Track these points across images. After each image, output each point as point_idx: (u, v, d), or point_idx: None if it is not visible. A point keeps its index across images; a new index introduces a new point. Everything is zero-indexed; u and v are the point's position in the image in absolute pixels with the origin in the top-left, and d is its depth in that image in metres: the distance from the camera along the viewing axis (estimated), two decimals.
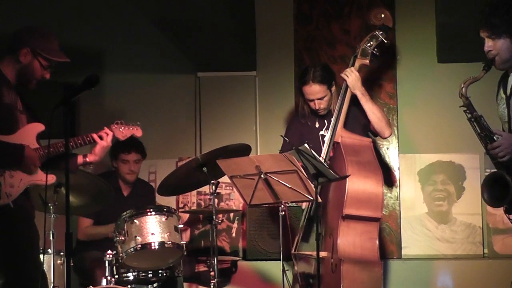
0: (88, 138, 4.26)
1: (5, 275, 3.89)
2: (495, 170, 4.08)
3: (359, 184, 4.93)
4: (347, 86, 5.24)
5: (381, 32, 5.34)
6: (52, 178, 4.01)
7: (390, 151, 6.30)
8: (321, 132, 5.32)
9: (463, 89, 4.10)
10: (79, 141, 4.21)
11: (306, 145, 4.53)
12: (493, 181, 4.05)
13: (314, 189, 4.54)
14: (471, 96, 4.11)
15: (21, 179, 3.97)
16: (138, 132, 4.56)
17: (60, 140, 4.09)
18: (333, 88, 5.31)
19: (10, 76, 4.03)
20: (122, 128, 4.48)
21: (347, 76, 5.24)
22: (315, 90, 5.24)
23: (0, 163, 3.91)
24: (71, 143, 4.15)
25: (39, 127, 4.04)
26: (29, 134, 3.97)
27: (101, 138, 4.29)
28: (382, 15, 5.42)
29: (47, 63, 4.06)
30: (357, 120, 5.28)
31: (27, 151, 3.94)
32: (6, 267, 3.90)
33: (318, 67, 5.42)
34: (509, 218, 4.14)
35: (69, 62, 4.06)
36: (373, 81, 6.30)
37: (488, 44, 4.04)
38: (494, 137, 4.04)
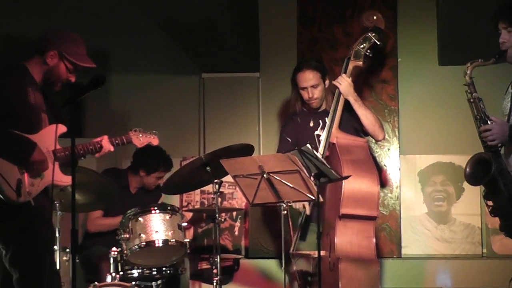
0: (99, 145, 4.25)
1: (20, 270, 3.91)
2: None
3: (355, 184, 4.92)
4: (340, 92, 5.24)
5: (373, 34, 5.33)
6: (69, 180, 3.96)
7: (391, 152, 6.31)
8: (316, 132, 5.31)
9: (469, 68, 4.17)
10: (91, 147, 4.22)
11: (308, 145, 4.54)
12: (479, 161, 4.10)
13: (315, 189, 4.53)
14: (474, 77, 4.17)
15: (41, 178, 3.98)
16: (155, 141, 4.57)
17: (83, 144, 4.15)
18: (327, 82, 5.31)
19: (36, 76, 4.03)
20: (141, 135, 4.48)
21: (340, 84, 5.23)
22: (308, 77, 5.23)
23: (12, 154, 3.89)
24: (82, 151, 4.17)
25: (62, 128, 4.02)
26: (51, 134, 3.96)
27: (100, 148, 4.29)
28: (374, 17, 5.41)
29: (72, 67, 4.05)
30: (350, 123, 5.28)
31: (37, 152, 3.92)
32: (21, 263, 3.91)
33: (313, 58, 5.50)
34: (486, 204, 4.18)
35: (95, 67, 4.04)
36: (375, 83, 6.32)
37: (504, 36, 4.10)
38: (488, 122, 4.10)
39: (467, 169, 4.13)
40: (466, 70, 4.17)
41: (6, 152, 3.88)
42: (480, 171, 4.07)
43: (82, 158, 4.26)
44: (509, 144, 4.10)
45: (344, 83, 5.23)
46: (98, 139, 4.29)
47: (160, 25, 5.64)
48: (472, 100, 4.17)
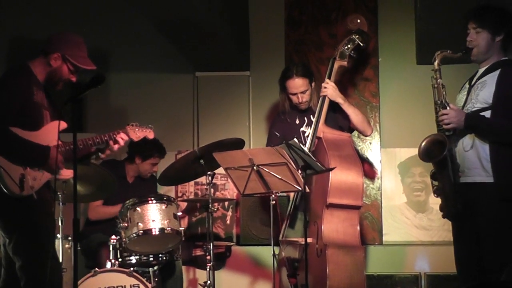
0: (106, 138, 4.21)
1: (22, 258, 3.91)
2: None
3: (341, 176, 4.92)
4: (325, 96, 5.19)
5: (357, 36, 5.32)
6: (70, 173, 4.01)
7: (373, 146, 6.31)
8: (301, 129, 5.30)
9: (438, 56, 4.23)
10: (97, 140, 4.17)
11: (295, 139, 4.55)
12: (434, 142, 4.13)
13: (302, 180, 4.53)
14: (441, 65, 4.22)
15: (43, 172, 3.97)
16: (150, 135, 4.50)
17: (83, 138, 4.10)
18: (313, 84, 5.28)
19: (39, 76, 4.02)
20: (137, 130, 4.43)
21: (326, 89, 5.18)
22: (298, 84, 5.21)
23: (26, 162, 3.90)
24: (90, 142, 4.14)
25: (63, 124, 4.00)
26: (52, 131, 3.94)
27: (116, 141, 4.26)
28: (358, 21, 5.42)
29: (74, 68, 4.05)
30: (335, 122, 5.25)
31: (52, 153, 3.91)
32: (23, 251, 3.91)
33: (299, 63, 5.45)
34: (432, 183, 4.23)
35: (95, 69, 4.02)
36: (358, 81, 6.31)
37: (472, 36, 4.19)
38: (448, 107, 4.15)
39: (422, 145, 4.15)
40: (436, 57, 4.23)
41: (23, 161, 3.88)
42: (434, 151, 4.10)
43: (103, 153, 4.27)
44: (461, 132, 4.13)
45: (330, 88, 5.19)
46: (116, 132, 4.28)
47: (156, 27, 5.62)
48: (436, 85, 4.23)
